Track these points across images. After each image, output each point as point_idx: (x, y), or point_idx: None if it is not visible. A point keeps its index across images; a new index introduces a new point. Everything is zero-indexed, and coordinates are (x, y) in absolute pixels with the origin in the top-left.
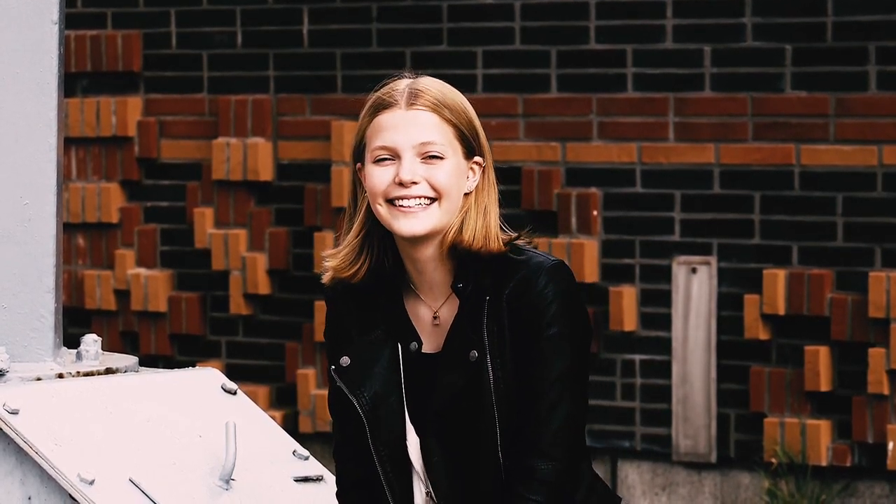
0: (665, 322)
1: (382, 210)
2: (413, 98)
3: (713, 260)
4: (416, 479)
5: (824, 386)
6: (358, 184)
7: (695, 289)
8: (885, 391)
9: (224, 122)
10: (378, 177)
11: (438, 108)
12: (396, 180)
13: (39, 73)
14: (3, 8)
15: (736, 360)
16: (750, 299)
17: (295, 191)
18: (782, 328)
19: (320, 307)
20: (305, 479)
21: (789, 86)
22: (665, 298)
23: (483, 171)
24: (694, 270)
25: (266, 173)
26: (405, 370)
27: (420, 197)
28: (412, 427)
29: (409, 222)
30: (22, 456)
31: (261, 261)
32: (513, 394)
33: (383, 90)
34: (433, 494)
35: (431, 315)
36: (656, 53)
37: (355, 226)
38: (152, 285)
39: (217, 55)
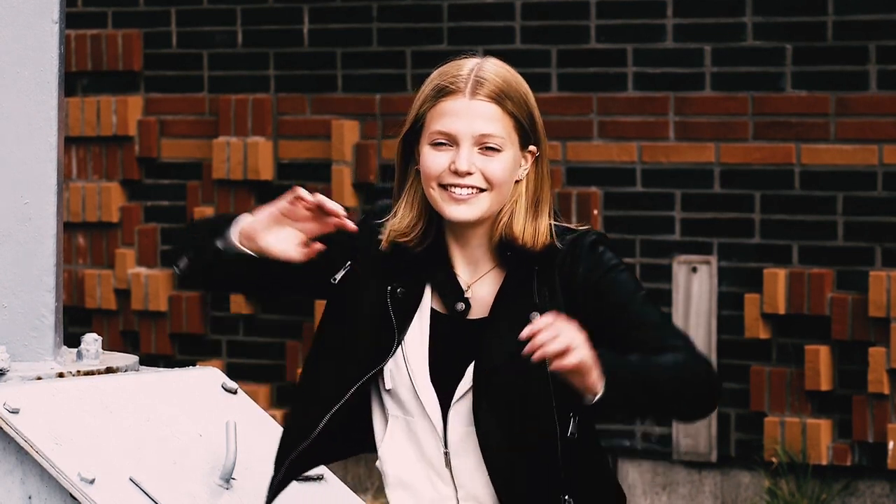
0: None
1: (434, 193)
2: (477, 87)
3: (713, 259)
4: (433, 437)
5: (825, 385)
6: (409, 157)
7: (695, 288)
8: (886, 390)
9: (224, 121)
10: (434, 160)
11: (501, 99)
12: (452, 168)
13: (40, 73)
14: (3, 7)
15: (736, 360)
16: (750, 298)
17: None
18: (782, 327)
19: (321, 306)
20: (306, 479)
21: (790, 85)
22: (665, 297)
23: (536, 162)
24: (694, 270)
25: (266, 172)
26: (433, 328)
27: (472, 187)
28: (432, 386)
29: (458, 209)
30: (22, 455)
31: None
32: None
33: (447, 73)
34: (448, 457)
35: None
36: (657, 53)
37: (409, 197)
38: (153, 284)
39: (217, 54)
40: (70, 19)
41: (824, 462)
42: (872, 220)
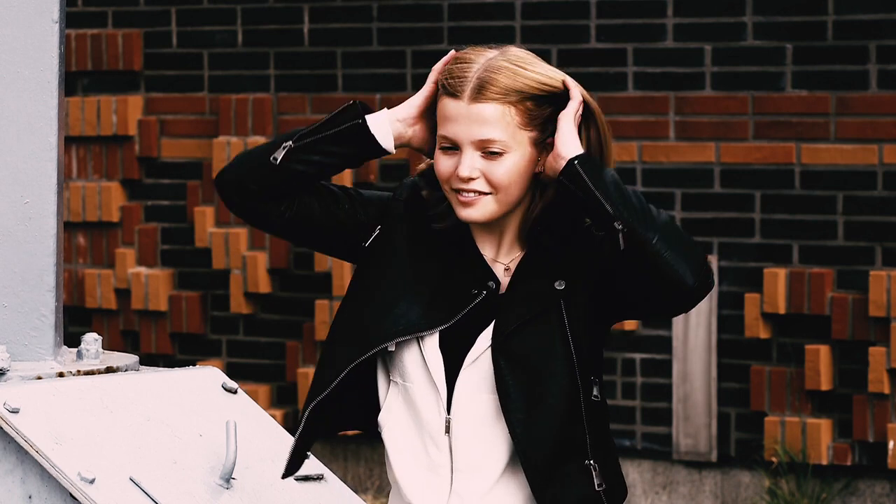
0: (665, 321)
1: (448, 195)
2: (478, 91)
3: (714, 259)
4: (434, 404)
5: (825, 385)
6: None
7: None
8: (886, 390)
9: (225, 120)
10: (443, 165)
11: (506, 95)
12: (456, 173)
13: (40, 72)
14: (3, 6)
15: (736, 359)
16: (750, 298)
17: None
18: (783, 327)
19: (321, 306)
20: (306, 478)
21: (790, 84)
22: None
23: None
24: None
25: None
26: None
27: (476, 191)
28: (440, 352)
29: (466, 211)
30: (22, 455)
31: (261, 259)
32: (584, 324)
33: (454, 71)
34: (450, 423)
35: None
36: (657, 52)
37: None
38: (153, 284)
39: (218, 54)
40: (70, 19)
41: (824, 462)
42: (872, 219)
